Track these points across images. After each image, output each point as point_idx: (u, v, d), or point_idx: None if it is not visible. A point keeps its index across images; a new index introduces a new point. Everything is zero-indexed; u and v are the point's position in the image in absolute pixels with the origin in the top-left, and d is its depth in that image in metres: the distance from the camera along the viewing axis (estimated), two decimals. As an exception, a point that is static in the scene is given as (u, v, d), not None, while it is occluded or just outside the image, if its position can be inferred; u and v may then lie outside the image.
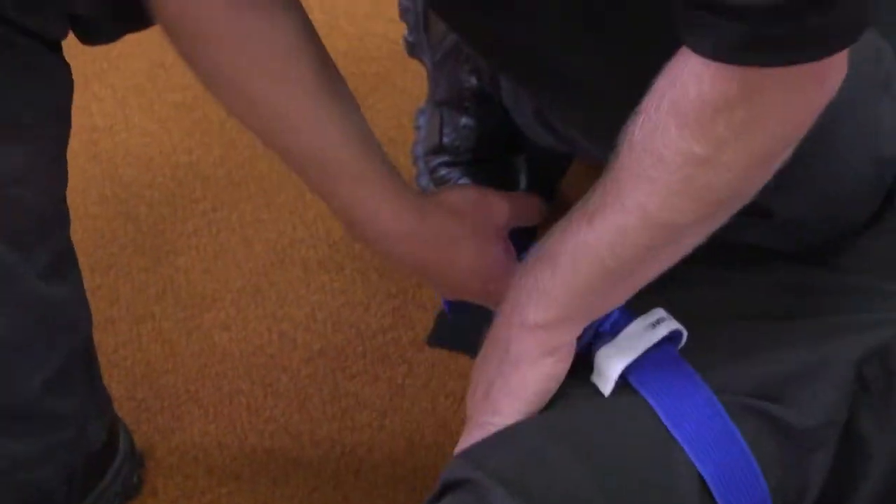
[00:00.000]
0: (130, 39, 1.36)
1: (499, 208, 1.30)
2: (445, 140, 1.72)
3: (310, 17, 1.90)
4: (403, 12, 1.79)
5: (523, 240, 1.34)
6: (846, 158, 1.24)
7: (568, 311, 1.17)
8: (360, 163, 1.21)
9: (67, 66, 1.20)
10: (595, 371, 1.18)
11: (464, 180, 1.71)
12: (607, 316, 1.21)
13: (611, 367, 1.17)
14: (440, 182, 1.73)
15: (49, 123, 1.23)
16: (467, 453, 1.19)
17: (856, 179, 1.27)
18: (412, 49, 1.78)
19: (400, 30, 1.86)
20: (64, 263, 1.32)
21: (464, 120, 1.70)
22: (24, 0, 1.11)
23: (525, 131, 1.65)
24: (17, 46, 1.13)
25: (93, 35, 1.24)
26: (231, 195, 1.78)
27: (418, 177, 1.75)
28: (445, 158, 1.72)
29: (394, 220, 1.23)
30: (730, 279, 1.35)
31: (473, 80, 1.70)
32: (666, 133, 1.00)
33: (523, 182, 1.73)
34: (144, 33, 1.26)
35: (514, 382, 1.21)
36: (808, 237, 1.31)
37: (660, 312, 1.20)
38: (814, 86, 1.00)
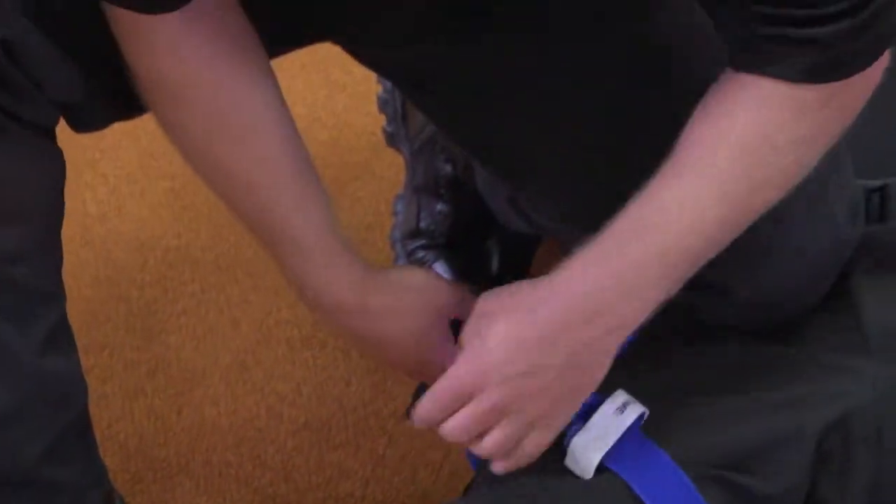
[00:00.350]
0: (121, 130, 1.41)
1: (445, 295, 1.32)
2: (422, 224, 1.76)
3: (292, 110, 1.97)
4: (382, 105, 1.85)
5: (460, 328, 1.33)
6: (801, 237, 1.33)
7: (674, 285, 1.21)
8: (315, 235, 1.24)
9: (59, 151, 1.24)
10: (570, 458, 1.23)
11: (439, 262, 1.74)
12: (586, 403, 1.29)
13: (589, 458, 1.22)
14: (417, 264, 1.75)
15: (43, 205, 1.26)
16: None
17: (812, 259, 1.35)
18: (391, 139, 1.84)
19: (377, 122, 1.93)
20: (60, 338, 1.33)
21: (439, 206, 1.74)
22: (12, 88, 1.15)
23: (498, 216, 1.74)
24: (10, 132, 1.17)
25: (83, 123, 1.28)
26: (218, 278, 1.82)
27: (396, 259, 1.79)
28: (422, 242, 1.75)
29: (343, 292, 1.26)
30: (690, 357, 1.41)
31: (449, 169, 1.75)
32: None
33: (495, 264, 1.77)
34: (133, 124, 1.31)
35: (596, 380, 1.23)
36: (768, 315, 1.39)
37: (623, 395, 1.26)
38: (867, 81, 1.13)
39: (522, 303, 1.23)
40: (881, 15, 1.09)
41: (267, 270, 1.83)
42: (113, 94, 1.26)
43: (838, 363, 1.37)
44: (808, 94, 1.14)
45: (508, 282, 1.58)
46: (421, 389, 1.56)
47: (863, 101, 1.20)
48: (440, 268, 1.75)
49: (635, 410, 1.25)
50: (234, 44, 1.18)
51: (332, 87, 2.13)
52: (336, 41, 1.39)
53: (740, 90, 1.17)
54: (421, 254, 1.76)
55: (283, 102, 1.23)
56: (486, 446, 1.22)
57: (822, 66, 1.12)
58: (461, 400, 1.21)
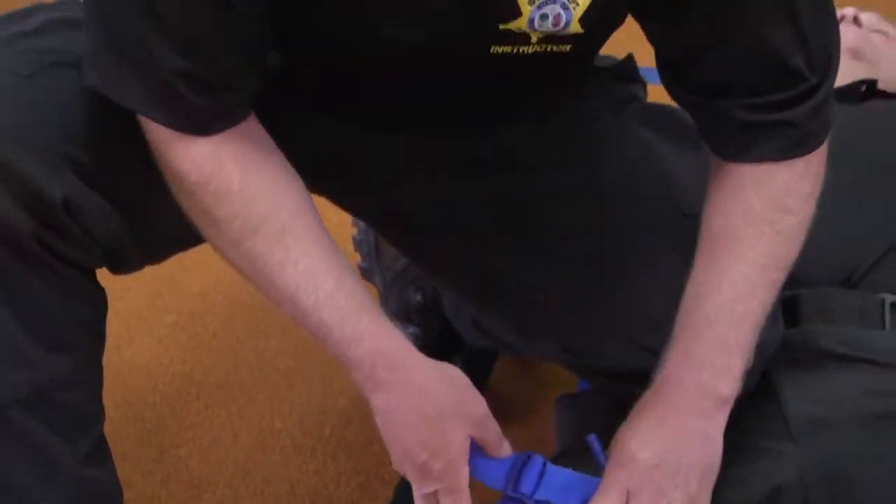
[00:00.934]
0: (131, 276, 1.46)
1: (479, 405, 1.31)
2: (392, 310, 1.83)
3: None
4: (357, 244, 1.93)
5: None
6: None
7: (742, 375, 1.33)
8: (341, 321, 1.24)
9: (102, 289, 1.30)
10: None
11: (412, 326, 1.82)
12: None
13: None
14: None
15: (89, 336, 1.32)
16: None
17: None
18: (366, 273, 1.90)
19: (351, 260, 1.94)
20: (100, 451, 1.36)
21: (411, 329, 1.80)
22: (70, 238, 1.23)
23: (463, 335, 1.82)
24: (66, 275, 1.24)
25: (122, 266, 1.34)
26: (219, 397, 1.88)
27: None
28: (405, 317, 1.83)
29: (372, 353, 1.25)
30: None
31: (419, 297, 1.82)
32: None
33: (458, 363, 1.66)
34: (141, 273, 1.38)
35: (719, 455, 1.32)
36: None
37: None
38: (823, 152, 1.32)
39: (660, 417, 1.31)
40: (827, 99, 1.30)
41: (261, 387, 1.91)
42: (148, 243, 1.36)
43: (766, 446, 1.42)
44: (796, 164, 1.31)
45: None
46: (402, 490, 1.63)
47: (823, 168, 1.37)
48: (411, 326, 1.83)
49: None
50: (269, 155, 1.25)
51: None
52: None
53: (737, 195, 1.33)
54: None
55: (312, 206, 1.25)
56: None
57: (798, 141, 1.30)
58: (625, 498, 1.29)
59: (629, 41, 1.44)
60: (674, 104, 1.51)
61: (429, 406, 1.27)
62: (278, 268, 1.22)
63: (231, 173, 1.20)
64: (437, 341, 1.84)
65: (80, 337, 1.29)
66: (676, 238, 1.40)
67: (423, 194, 1.46)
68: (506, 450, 1.30)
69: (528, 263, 1.44)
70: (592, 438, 1.31)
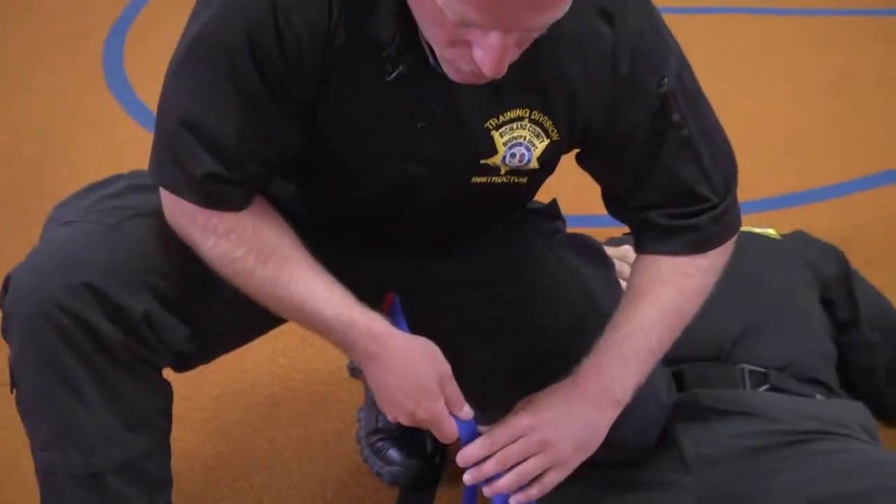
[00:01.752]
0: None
1: (446, 367, 1.34)
2: (380, 424, 1.81)
3: (274, 361, 2.06)
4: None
5: None
6: (641, 406, 1.43)
7: (634, 391, 1.38)
8: (346, 312, 1.29)
9: (169, 383, 1.37)
10: None
11: (393, 449, 1.79)
12: None
13: None
14: (377, 452, 1.81)
15: (161, 418, 1.37)
16: None
17: (648, 418, 1.50)
18: (353, 373, 1.86)
19: (335, 364, 2.03)
20: None
21: None
22: (148, 344, 1.28)
23: None
24: (146, 374, 1.31)
25: (184, 366, 1.41)
26: (242, 472, 1.87)
27: (362, 451, 1.83)
28: (381, 436, 1.80)
29: (375, 329, 1.30)
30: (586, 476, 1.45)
31: None
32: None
33: (430, 446, 1.81)
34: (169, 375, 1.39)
35: (581, 446, 1.37)
36: (622, 455, 1.50)
37: None
38: (727, 249, 1.41)
39: (561, 398, 1.37)
40: (730, 210, 1.38)
41: (273, 465, 1.87)
42: (205, 348, 1.41)
43: (669, 479, 1.49)
44: (700, 258, 1.39)
45: (439, 460, 1.77)
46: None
47: (727, 259, 1.43)
48: (394, 452, 1.79)
49: None
50: (268, 210, 1.31)
51: (303, 343, 2.11)
52: None
53: (653, 266, 1.39)
54: (380, 444, 1.80)
55: (301, 244, 1.30)
56: (522, 471, 1.33)
57: (699, 241, 1.38)
58: (514, 439, 1.34)
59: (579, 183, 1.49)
60: (587, 234, 1.60)
61: (409, 368, 1.31)
62: (285, 285, 1.27)
63: (245, 223, 1.27)
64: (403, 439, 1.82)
65: (155, 420, 1.35)
66: (596, 329, 1.42)
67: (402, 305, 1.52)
68: (466, 413, 1.35)
69: (485, 355, 1.49)
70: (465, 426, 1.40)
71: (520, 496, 1.33)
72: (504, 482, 1.33)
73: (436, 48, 1.14)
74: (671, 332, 1.39)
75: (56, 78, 3.10)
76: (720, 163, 1.36)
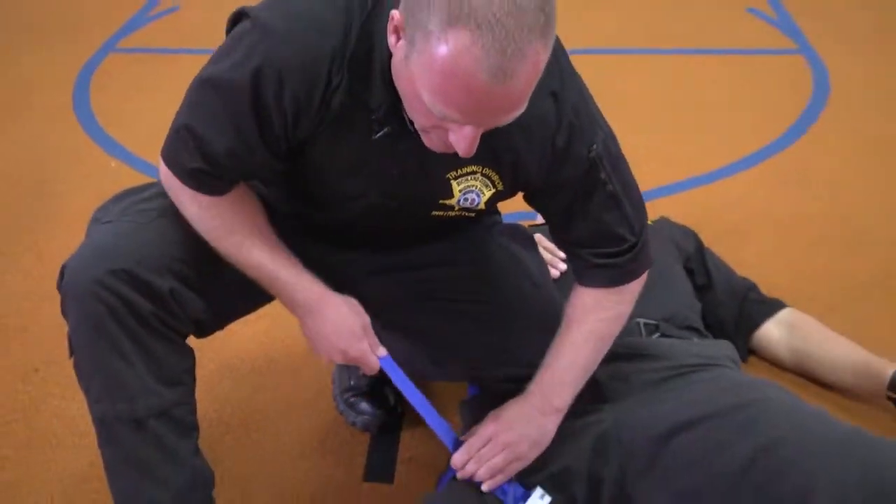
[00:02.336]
0: None
1: (366, 318, 1.42)
2: (351, 383, 1.87)
3: (256, 341, 2.04)
4: None
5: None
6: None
7: (571, 399, 1.46)
8: (288, 274, 1.37)
9: (191, 348, 1.42)
10: None
11: (363, 402, 1.85)
12: (519, 494, 1.45)
13: None
14: (350, 405, 1.86)
15: (188, 376, 1.42)
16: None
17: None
18: None
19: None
20: (198, 448, 1.45)
21: (361, 373, 1.78)
22: (177, 315, 1.35)
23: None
24: (174, 340, 1.37)
25: (202, 333, 1.46)
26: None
27: (338, 406, 1.88)
28: (352, 392, 1.87)
29: (308, 292, 1.38)
30: None
31: None
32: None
33: (391, 398, 1.86)
34: None
35: (535, 444, 1.45)
36: None
37: (540, 490, 1.46)
38: (641, 280, 1.46)
39: (516, 410, 1.46)
40: (643, 250, 1.42)
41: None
42: (219, 318, 1.47)
43: (592, 409, 1.54)
44: (620, 290, 1.45)
45: (400, 409, 1.86)
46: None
47: (640, 289, 1.48)
48: (364, 405, 1.85)
49: (546, 499, 1.45)
50: (247, 198, 1.36)
51: (276, 325, 2.10)
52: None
53: (587, 297, 1.45)
54: (352, 399, 1.86)
55: (267, 224, 1.37)
56: (492, 465, 1.42)
57: (620, 276, 1.43)
58: (484, 443, 1.43)
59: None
60: (521, 223, 1.66)
61: (340, 319, 1.39)
62: (247, 252, 1.35)
63: (223, 204, 1.34)
64: (377, 377, 1.67)
65: (182, 377, 1.40)
66: (532, 299, 1.54)
67: (376, 285, 1.54)
68: (381, 352, 1.44)
69: (442, 321, 1.55)
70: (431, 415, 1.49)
71: (490, 483, 1.44)
72: (480, 474, 1.44)
73: (416, 125, 1.18)
74: (597, 353, 1.48)
75: (34, 123, 3.09)
76: (637, 211, 1.40)
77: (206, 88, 1.25)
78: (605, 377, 1.56)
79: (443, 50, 1.02)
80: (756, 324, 2.01)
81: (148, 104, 3.17)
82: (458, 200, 1.35)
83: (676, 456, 1.41)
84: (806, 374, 1.97)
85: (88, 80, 3.30)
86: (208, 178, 1.29)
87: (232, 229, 1.35)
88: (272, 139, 1.24)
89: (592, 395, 1.55)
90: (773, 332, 2.01)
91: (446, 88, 1.05)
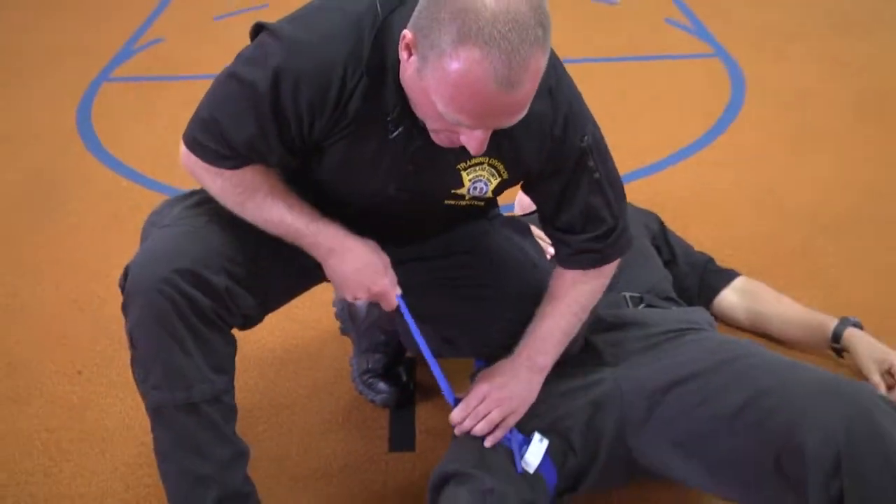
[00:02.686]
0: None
1: (386, 259, 1.43)
2: (369, 366, 1.88)
3: (274, 334, 2.05)
4: (337, 314, 1.91)
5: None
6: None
7: (554, 359, 1.47)
8: (310, 223, 1.37)
9: (235, 337, 1.41)
10: (525, 462, 1.41)
11: (380, 382, 1.87)
12: (521, 440, 1.44)
13: (534, 464, 1.42)
14: (369, 385, 1.88)
15: (231, 364, 1.41)
16: (453, 460, 1.42)
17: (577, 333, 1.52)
18: (344, 331, 1.91)
19: (321, 329, 2.08)
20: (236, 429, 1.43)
21: (377, 356, 1.87)
22: (231, 310, 1.35)
23: (409, 349, 1.85)
24: (225, 331, 1.37)
25: (248, 326, 1.45)
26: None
27: (357, 387, 1.91)
28: (369, 374, 1.89)
29: (332, 238, 1.38)
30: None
31: (382, 336, 1.86)
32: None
33: (404, 375, 1.90)
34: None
35: (525, 399, 1.46)
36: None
37: (538, 434, 1.45)
38: (616, 262, 1.46)
39: (505, 369, 1.48)
40: (622, 235, 1.44)
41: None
42: (262, 311, 1.47)
43: (594, 371, 1.55)
44: (598, 272, 1.46)
45: (411, 386, 1.91)
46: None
47: (615, 269, 1.49)
48: (381, 384, 1.88)
49: (544, 440, 1.44)
50: (269, 171, 1.36)
51: (289, 319, 2.13)
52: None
53: (567, 275, 1.46)
54: (370, 380, 1.89)
55: (283, 182, 1.37)
56: (489, 419, 1.42)
57: (601, 260, 1.45)
58: (480, 401, 1.44)
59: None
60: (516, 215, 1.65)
61: (361, 257, 1.40)
62: (268, 209, 1.36)
63: (244, 172, 1.35)
64: (391, 358, 1.89)
65: (228, 365, 1.41)
66: (533, 279, 1.54)
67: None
68: (398, 290, 1.44)
69: (454, 304, 1.55)
70: (435, 367, 1.47)
71: (492, 438, 1.44)
72: (479, 428, 1.44)
73: (428, 126, 1.21)
74: (578, 320, 1.49)
75: (42, 146, 3.06)
76: (618, 198, 1.42)
77: (231, 83, 1.26)
78: (602, 345, 1.59)
79: (455, 65, 1.06)
80: (716, 291, 2.06)
81: (146, 128, 3.18)
82: (469, 189, 1.35)
83: (673, 407, 1.43)
84: (761, 333, 2.03)
85: (89, 108, 3.29)
86: (218, 159, 1.32)
87: (254, 191, 1.34)
88: (288, 138, 1.26)
89: (593, 360, 1.57)
90: (731, 297, 2.06)
91: (459, 99, 1.08)
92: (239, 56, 1.27)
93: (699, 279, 2.06)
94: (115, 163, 2.95)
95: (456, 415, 1.44)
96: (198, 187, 1.44)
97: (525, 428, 1.46)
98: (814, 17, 3.92)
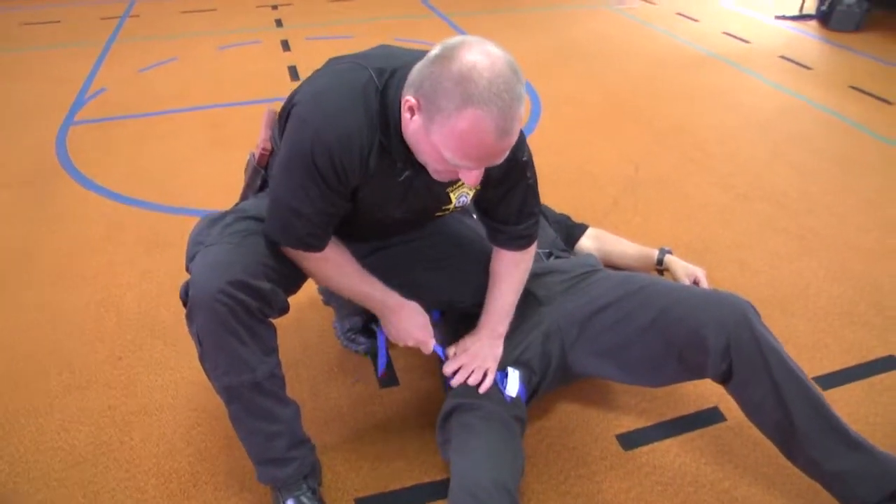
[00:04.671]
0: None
1: (427, 319, 1.34)
2: (348, 326, 1.69)
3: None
4: (320, 292, 1.72)
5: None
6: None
7: (508, 325, 1.37)
8: (379, 290, 1.28)
9: (274, 324, 1.23)
10: (507, 389, 1.31)
11: (359, 336, 1.68)
12: (499, 376, 1.33)
13: (515, 391, 1.32)
14: (352, 340, 1.69)
15: (276, 347, 1.23)
16: (456, 396, 1.30)
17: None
18: (327, 302, 1.72)
19: (301, 299, 1.72)
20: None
21: (355, 318, 1.68)
22: (272, 306, 1.18)
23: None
24: (267, 323, 1.20)
25: (279, 316, 1.24)
26: None
27: (342, 342, 1.70)
28: (351, 332, 1.70)
29: (393, 301, 1.29)
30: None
31: (358, 320, 1.67)
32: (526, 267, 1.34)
33: (377, 328, 1.53)
34: None
35: (495, 358, 1.36)
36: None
37: (510, 368, 1.34)
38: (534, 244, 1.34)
39: (475, 341, 1.37)
40: (537, 223, 1.33)
41: None
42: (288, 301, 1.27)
43: (534, 312, 1.42)
44: (528, 250, 1.35)
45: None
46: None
47: (535, 247, 1.38)
48: (361, 337, 1.68)
49: (517, 371, 1.35)
50: (337, 245, 1.24)
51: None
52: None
53: (507, 256, 1.35)
54: (352, 335, 1.69)
55: (353, 257, 1.25)
56: (475, 377, 1.32)
57: (529, 242, 1.34)
58: (461, 362, 1.34)
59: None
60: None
61: (410, 319, 1.32)
62: (348, 283, 1.26)
63: (326, 254, 1.22)
64: (367, 318, 1.64)
65: (274, 345, 1.23)
66: (481, 246, 1.41)
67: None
68: (433, 343, 1.34)
69: (426, 273, 1.41)
70: (437, 347, 1.35)
71: (484, 385, 1.32)
72: (472, 379, 1.33)
73: (429, 167, 1.09)
74: (519, 292, 1.39)
75: (34, 189, 2.53)
76: (538, 198, 1.33)
77: (284, 173, 1.13)
78: (536, 290, 1.46)
79: (462, 124, 0.96)
80: (577, 239, 1.94)
81: (117, 158, 2.73)
82: (455, 203, 1.25)
83: (597, 327, 1.35)
84: (609, 265, 1.92)
85: (65, 149, 2.77)
86: (311, 240, 1.17)
87: (335, 269, 1.25)
88: (338, 193, 1.14)
89: (533, 303, 1.45)
90: (586, 243, 1.95)
91: (464, 149, 0.98)
92: (283, 146, 1.13)
93: (565, 233, 1.94)
94: (98, 188, 2.52)
95: (449, 366, 1.34)
96: (225, 208, 1.26)
97: (500, 365, 1.37)
98: (560, 51, 3.87)
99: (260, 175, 1.30)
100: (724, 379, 1.24)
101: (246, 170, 1.33)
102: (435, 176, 1.10)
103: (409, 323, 1.31)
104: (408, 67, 1.04)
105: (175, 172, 2.53)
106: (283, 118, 1.17)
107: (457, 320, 1.45)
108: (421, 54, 1.04)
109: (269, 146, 1.28)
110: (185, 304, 1.15)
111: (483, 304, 1.39)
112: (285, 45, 3.96)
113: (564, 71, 3.52)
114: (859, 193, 2.33)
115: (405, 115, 1.03)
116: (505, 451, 1.19)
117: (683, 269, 1.81)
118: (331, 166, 1.08)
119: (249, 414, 1.22)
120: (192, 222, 1.29)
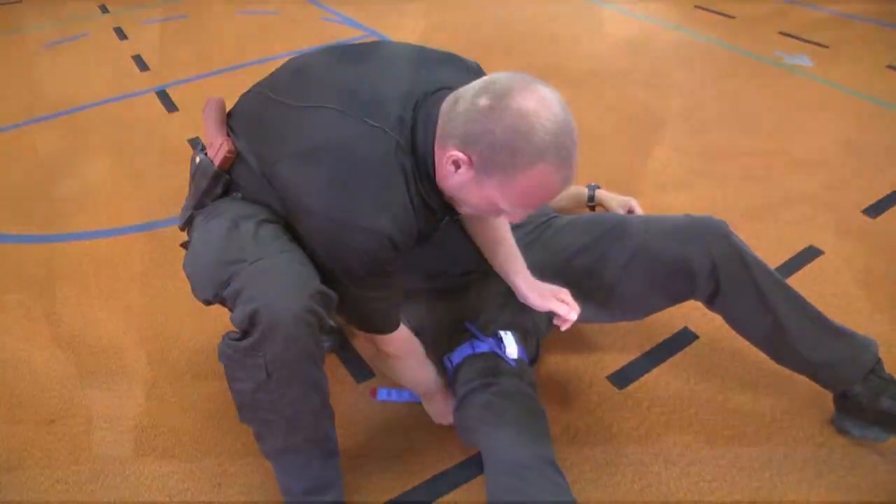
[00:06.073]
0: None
1: (451, 403, 1.30)
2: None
3: None
4: None
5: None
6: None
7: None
8: (428, 380, 1.29)
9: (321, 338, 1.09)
10: (507, 354, 1.26)
11: (324, 336, 1.39)
12: (495, 342, 1.28)
13: (514, 353, 1.28)
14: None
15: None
16: (469, 380, 1.23)
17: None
18: None
19: None
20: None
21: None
22: (329, 311, 1.06)
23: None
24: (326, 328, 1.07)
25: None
26: None
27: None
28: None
29: (435, 389, 1.30)
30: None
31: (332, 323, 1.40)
32: None
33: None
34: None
35: (550, 288, 1.27)
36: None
37: (501, 332, 1.30)
38: None
39: (526, 286, 1.27)
40: None
41: None
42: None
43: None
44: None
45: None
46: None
47: None
48: (324, 338, 1.42)
49: (509, 333, 1.30)
50: (404, 333, 1.19)
51: None
52: None
53: (498, 222, 1.26)
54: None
55: (419, 345, 1.24)
56: (569, 300, 1.24)
57: None
58: (549, 303, 1.25)
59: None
60: None
61: (442, 404, 1.32)
62: (403, 370, 1.24)
63: (395, 343, 1.18)
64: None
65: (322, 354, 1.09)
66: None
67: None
68: (449, 417, 1.31)
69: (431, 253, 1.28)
70: (468, 323, 1.31)
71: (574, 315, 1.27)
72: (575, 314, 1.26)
73: (473, 211, 1.03)
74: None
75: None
76: None
77: (364, 269, 1.02)
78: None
79: (528, 181, 0.92)
80: None
81: None
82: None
83: (573, 274, 1.31)
84: None
85: None
86: (391, 315, 1.12)
87: (406, 355, 1.22)
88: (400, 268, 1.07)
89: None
90: None
91: (529, 200, 0.95)
92: (337, 262, 1.02)
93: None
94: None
95: (564, 312, 1.24)
96: (224, 219, 1.09)
97: (488, 331, 1.30)
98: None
99: (223, 180, 1.11)
100: (711, 298, 1.24)
101: (195, 174, 1.14)
102: (470, 212, 1.05)
103: (444, 408, 1.33)
104: (429, 106, 0.98)
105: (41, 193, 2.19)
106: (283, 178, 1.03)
107: (448, 334, 1.36)
108: (414, 73, 1.02)
109: (231, 148, 1.10)
110: (245, 336, 1.00)
111: (474, 270, 1.35)
112: (120, 34, 3.55)
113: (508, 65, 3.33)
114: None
115: (447, 167, 0.97)
116: (535, 422, 1.15)
117: (617, 201, 1.78)
118: (396, 252, 1.01)
119: (302, 382, 1.07)
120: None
